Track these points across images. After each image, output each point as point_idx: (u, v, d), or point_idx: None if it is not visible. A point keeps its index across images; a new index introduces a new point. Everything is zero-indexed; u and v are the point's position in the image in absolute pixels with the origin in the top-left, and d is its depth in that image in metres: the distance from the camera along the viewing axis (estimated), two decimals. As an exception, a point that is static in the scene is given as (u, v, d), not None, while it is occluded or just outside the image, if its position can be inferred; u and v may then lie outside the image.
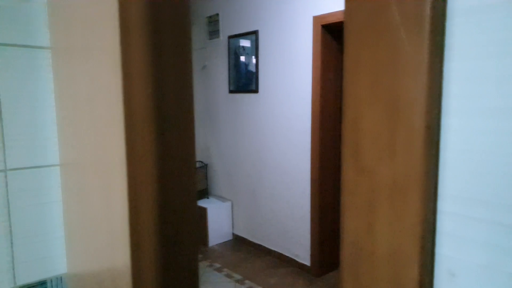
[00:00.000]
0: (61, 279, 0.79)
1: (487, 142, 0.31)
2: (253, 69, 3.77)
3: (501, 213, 0.31)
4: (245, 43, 3.83)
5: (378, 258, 0.36)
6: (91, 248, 0.63)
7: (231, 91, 4.05)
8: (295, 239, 3.53)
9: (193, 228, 0.48)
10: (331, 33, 3.13)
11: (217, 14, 4.10)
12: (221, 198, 4.32)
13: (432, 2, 0.31)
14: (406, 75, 0.33)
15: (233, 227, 4.27)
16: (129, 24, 0.45)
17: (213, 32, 4.18)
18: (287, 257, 3.61)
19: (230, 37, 3.97)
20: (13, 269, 0.74)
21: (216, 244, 4.15)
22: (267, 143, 3.72)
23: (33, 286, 0.76)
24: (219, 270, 3.58)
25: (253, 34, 3.71)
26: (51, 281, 0.78)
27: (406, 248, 0.34)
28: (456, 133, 0.32)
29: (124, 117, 0.43)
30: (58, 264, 0.79)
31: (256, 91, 3.75)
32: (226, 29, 4.03)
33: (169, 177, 0.49)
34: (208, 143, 4.46)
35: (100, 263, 0.57)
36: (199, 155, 4.60)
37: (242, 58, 3.87)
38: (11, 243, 0.73)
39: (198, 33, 4.41)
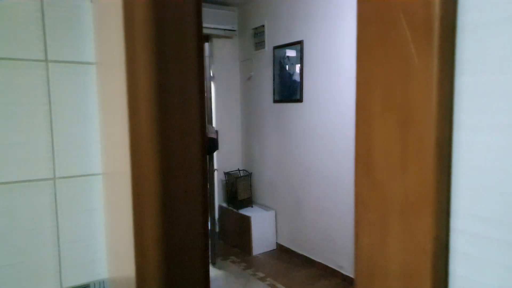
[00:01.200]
0: (104, 283, 0.85)
1: (500, 159, 0.30)
2: (297, 78, 3.77)
3: (518, 233, 0.29)
4: (290, 53, 3.85)
5: (391, 274, 0.36)
6: (126, 254, 0.67)
7: (275, 101, 4.08)
8: (340, 251, 3.45)
9: (202, 240, 0.50)
10: (377, 40, 3.06)
11: (263, 26, 4.17)
12: (265, 207, 4.33)
13: (441, 17, 0.31)
14: (416, 90, 0.32)
15: (276, 236, 4.26)
16: (135, 41, 0.49)
17: (259, 43, 4.25)
18: (331, 268, 3.53)
19: (275, 47, 4.01)
20: (60, 272, 0.80)
21: (260, 253, 4.15)
22: (311, 152, 3.69)
23: (78, 289, 0.82)
24: (262, 279, 3.58)
25: (298, 44, 3.72)
26: (94, 284, 0.84)
27: (418, 266, 0.33)
28: (469, 149, 0.31)
29: (129, 135, 0.46)
30: (101, 269, 0.84)
31: (300, 100, 3.74)
32: (271, 40, 4.08)
33: (173, 187, 0.52)
34: (252, 152, 4.51)
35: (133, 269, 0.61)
36: (244, 164, 4.66)
37: (287, 68, 3.89)
38: (59, 247, 0.80)
39: (244, 45, 4.50)
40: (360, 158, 0.37)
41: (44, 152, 0.79)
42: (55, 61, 0.81)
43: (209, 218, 4.38)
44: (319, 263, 3.68)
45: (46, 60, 0.81)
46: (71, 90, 0.81)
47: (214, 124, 4.41)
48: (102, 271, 0.86)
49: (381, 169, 0.35)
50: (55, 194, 0.79)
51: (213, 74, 4.39)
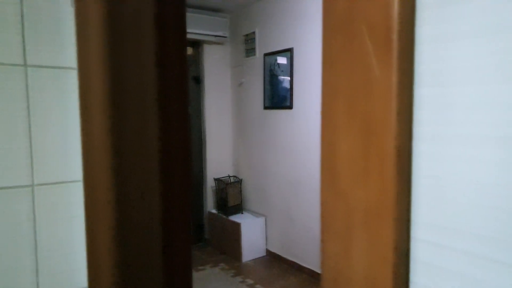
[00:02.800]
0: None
1: (458, 169, 0.30)
2: (287, 85, 3.79)
3: (474, 243, 0.30)
4: (280, 60, 3.87)
5: (355, 283, 0.36)
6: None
7: (266, 107, 4.10)
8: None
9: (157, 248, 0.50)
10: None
11: (254, 33, 4.19)
12: (255, 214, 4.32)
13: (399, 30, 0.31)
14: (377, 101, 0.33)
15: (266, 243, 4.25)
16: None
17: (250, 50, 4.27)
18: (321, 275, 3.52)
19: (266, 54, 4.04)
20: (37, 282, 0.79)
21: (250, 260, 4.14)
22: (301, 159, 3.70)
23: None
24: (251, 286, 3.56)
25: (288, 52, 3.75)
26: (73, 293, 0.83)
27: (380, 275, 0.34)
28: (428, 159, 0.32)
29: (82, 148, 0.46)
30: (81, 277, 0.83)
31: (290, 107, 3.76)
32: (262, 47, 4.10)
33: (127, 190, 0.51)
34: (243, 159, 4.51)
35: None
36: (234, 170, 4.65)
37: (277, 75, 3.91)
38: (36, 256, 0.79)
39: (235, 51, 4.52)
40: (325, 167, 0.37)
41: (22, 159, 0.79)
42: (34, 66, 0.80)
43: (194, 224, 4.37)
44: (309, 270, 3.68)
45: (25, 65, 0.80)
46: (52, 96, 0.80)
47: (205, 130, 4.41)
48: (82, 280, 0.84)
49: (345, 178, 0.36)
50: (33, 201, 0.78)
51: (202, 78, 4.39)
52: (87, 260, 0.47)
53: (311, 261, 3.67)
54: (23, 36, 0.80)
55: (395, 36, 0.31)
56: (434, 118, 0.31)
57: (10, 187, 0.77)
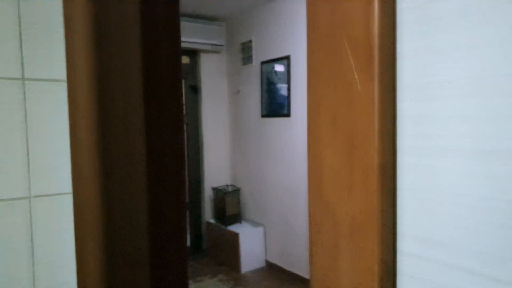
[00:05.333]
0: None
1: (441, 182, 0.31)
2: (285, 93, 3.81)
3: (458, 256, 0.30)
4: (278, 68, 3.89)
5: (342, 296, 0.36)
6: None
7: (263, 115, 4.11)
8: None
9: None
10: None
11: (250, 41, 4.22)
12: (254, 223, 4.30)
13: (380, 46, 0.32)
14: (360, 115, 0.33)
15: (266, 253, 4.22)
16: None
17: (246, 58, 4.30)
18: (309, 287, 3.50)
19: (263, 62, 4.06)
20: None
21: (249, 271, 4.11)
22: (299, 167, 3.70)
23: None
24: (250, 296, 3.54)
25: (285, 59, 3.77)
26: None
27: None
28: (412, 172, 0.32)
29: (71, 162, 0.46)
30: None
31: (288, 115, 3.77)
32: (259, 55, 4.13)
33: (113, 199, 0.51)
34: (240, 167, 4.51)
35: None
36: (232, 179, 4.65)
37: (275, 83, 3.93)
38: (33, 268, 0.78)
39: (232, 60, 4.55)
40: (312, 179, 0.38)
41: (19, 171, 0.79)
42: (32, 79, 0.81)
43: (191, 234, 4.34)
44: (309, 281, 3.65)
45: (23, 78, 0.81)
46: (48, 108, 0.81)
47: (202, 138, 4.41)
48: (75, 292, 0.84)
49: (331, 191, 0.36)
50: (30, 213, 0.78)
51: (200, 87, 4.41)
52: (76, 272, 0.47)
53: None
54: (21, 50, 0.81)
55: (376, 52, 0.32)
56: (417, 131, 0.32)
57: (7, 199, 0.77)
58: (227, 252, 4.19)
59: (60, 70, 0.82)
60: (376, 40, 0.32)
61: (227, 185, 4.53)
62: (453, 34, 0.30)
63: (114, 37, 0.54)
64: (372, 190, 0.32)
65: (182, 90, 0.75)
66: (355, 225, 0.34)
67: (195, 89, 4.43)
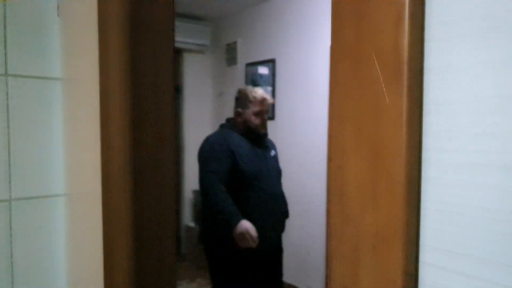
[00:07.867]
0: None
1: (465, 196, 0.31)
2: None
3: (480, 267, 0.31)
4: (263, 70, 3.90)
5: (363, 307, 0.36)
6: (93, 280, 0.64)
7: (247, 118, 4.09)
8: (309, 271, 3.45)
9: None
10: (346, 62, 3.15)
11: (236, 42, 4.21)
12: (235, 224, 4.28)
13: (409, 61, 0.32)
14: (386, 127, 0.34)
15: (246, 254, 4.21)
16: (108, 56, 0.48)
17: (231, 59, 4.28)
18: None
19: (248, 64, 4.05)
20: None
21: (229, 271, 4.08)
22: (284, 169, 3.71)
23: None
24: (231, 298, 3.52)
25: (271, 62, 3.78)
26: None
27: (389, 299, 0.34)
28: (436, 186, 0.33)
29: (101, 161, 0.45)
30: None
31: (272, 118, 3.78)
32: (244, 57, 4.12)
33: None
34: (223, 168, 4.47)
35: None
36: (215, 180, 4.61)
37: (259, 85, 3.93)
38: (12, 274, 0.74)
39: (217, 61, 4.52)
40: (334, 190, 0.38)
41: (-1, 172, 0.74)
42: (16, 75, 0.77)
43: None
44: (287, 284, 3.67)
45: (6, 74, 0.77)
46: (33, 106, 0.77)
47: (183, 140, 4.35)
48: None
49: (354, 203, 0.36)
50: (10, 216, 0.74)
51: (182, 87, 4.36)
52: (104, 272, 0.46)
53: (291, 276, 3.66)
54: (5, 45, 0.77)
55: (405, 65, 0.32)
56: (442, 145, 0.32)
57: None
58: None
59: (54, 67, 0.79)
60: (405, 54, 0.32)
61: (209, 187, 4.49)
62: (480, 51, 0.30)
63: (147, 36, 0.52)
64: (399, 202, 0.33)
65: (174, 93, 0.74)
66: (379, 236, 0.34)
67: (177, 89, 4.38)
